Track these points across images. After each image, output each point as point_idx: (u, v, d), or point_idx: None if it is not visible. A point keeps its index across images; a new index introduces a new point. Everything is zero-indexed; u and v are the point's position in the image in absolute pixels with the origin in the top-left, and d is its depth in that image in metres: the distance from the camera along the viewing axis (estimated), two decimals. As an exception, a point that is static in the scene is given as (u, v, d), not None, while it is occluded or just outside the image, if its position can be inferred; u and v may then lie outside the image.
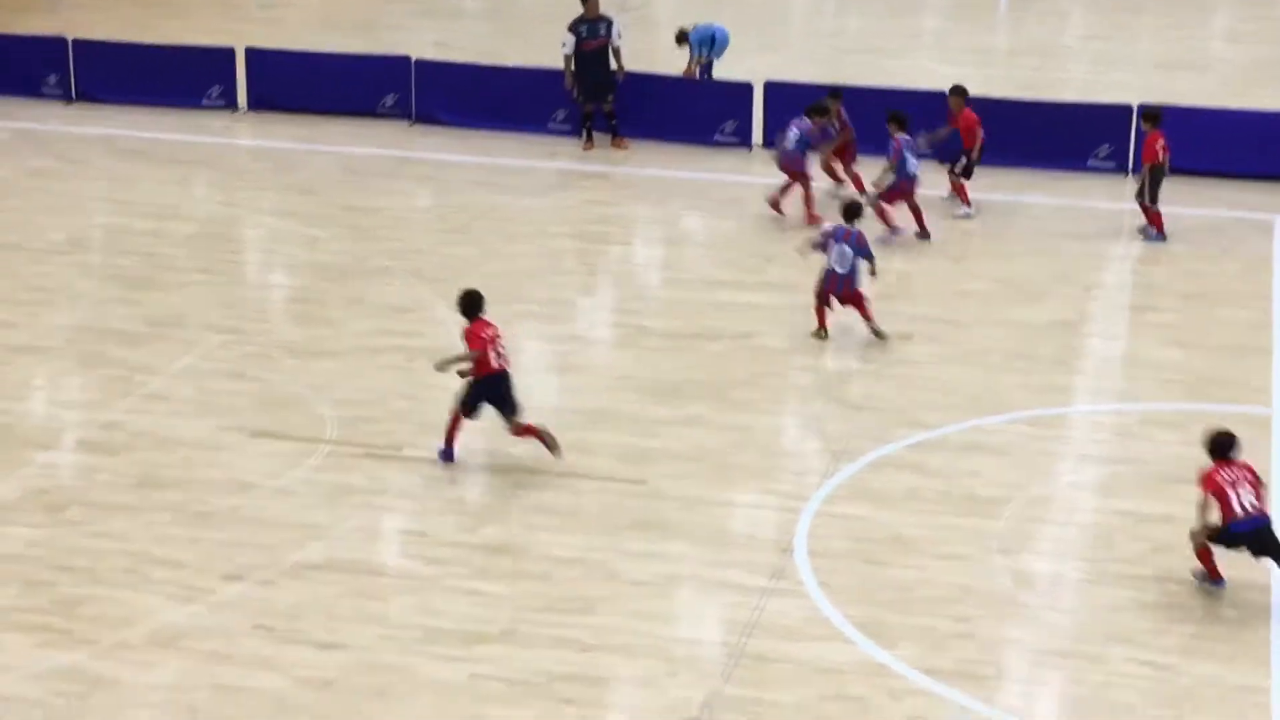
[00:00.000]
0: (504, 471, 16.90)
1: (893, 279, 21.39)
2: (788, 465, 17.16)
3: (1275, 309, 21.21)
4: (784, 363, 19.48)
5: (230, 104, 29.16)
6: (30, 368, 19.43)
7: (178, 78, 29.17)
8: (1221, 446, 14.85)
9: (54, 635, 14.07)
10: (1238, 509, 14.41)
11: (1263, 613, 14.59)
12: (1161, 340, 20.28)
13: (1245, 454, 15.01)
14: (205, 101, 29.14)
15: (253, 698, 13.25)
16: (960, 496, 16.48)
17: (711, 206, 25.15)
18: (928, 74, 30.34)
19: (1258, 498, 14.57)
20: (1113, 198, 24.78)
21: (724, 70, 29.06)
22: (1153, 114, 23.54)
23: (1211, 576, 14.77)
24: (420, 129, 28.28)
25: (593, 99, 27.06)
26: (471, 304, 16.95)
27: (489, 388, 16.72)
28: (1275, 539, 14.49)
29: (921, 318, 20.20)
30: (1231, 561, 15.13)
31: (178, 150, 27.26)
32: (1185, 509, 16.01)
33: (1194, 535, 14.62)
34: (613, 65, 27.09)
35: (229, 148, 27.72)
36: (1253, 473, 14.76)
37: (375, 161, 26.79)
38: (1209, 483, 14.58)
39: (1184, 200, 24.07)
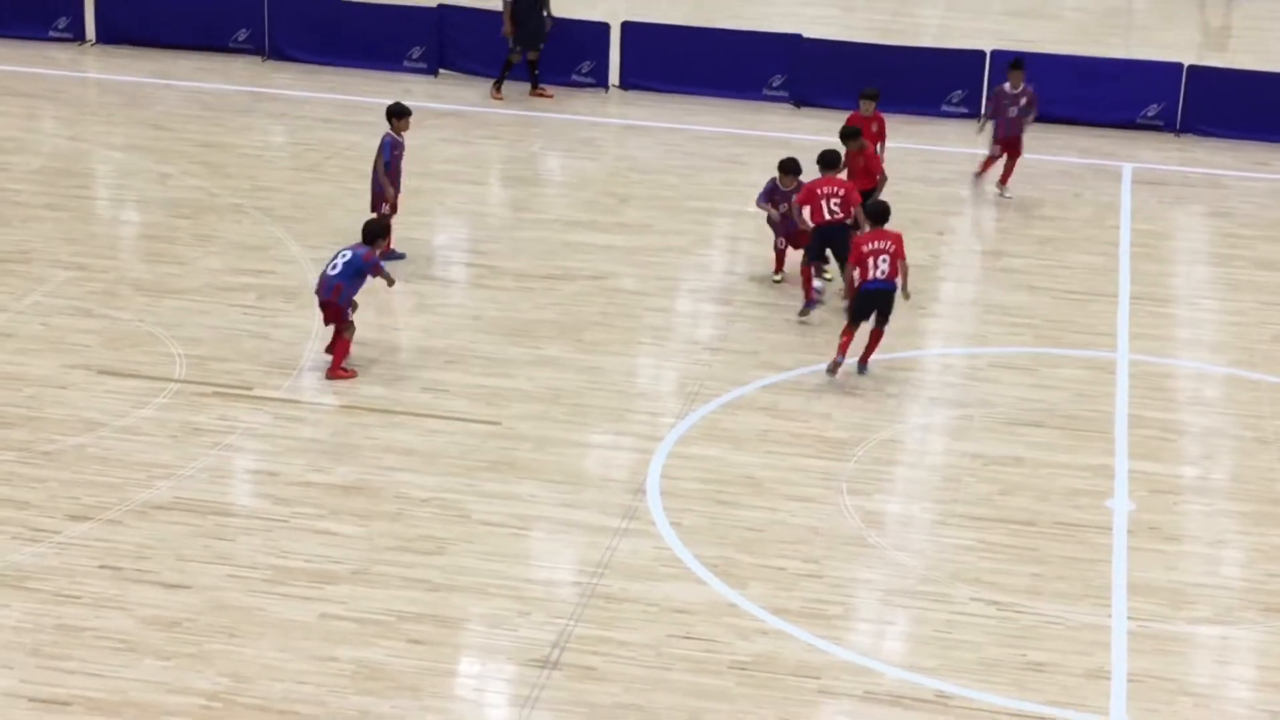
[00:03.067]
0: (357, 412, 16.79)
1: (752, 224, 21.49)
2: (641, 406, 17.19)
3: (1123, 255, 21.54)
4: (638, 304, 19.50)
5: (78, 36, 28.60)
6: None
7: (24, 8, 28.51)
8: (879, 215, 18.02)
9: (-108, 576, 13.83)
10: (871, 274, 17.54)
11: (1104, 553, 14.86)
12: (1012, 285, 20.52)
13: (1093, 395, 15.22)
14: (52, 33, 28.55)
15: (98, 637, 13.09)
16: (811, 438, 16.61)
17: (568, 146, 25.08)
18: (792, 17, 30.44)
19: (890, 267, 17.58)
20: (966, 142, 25.00)
21: (584, 10, 28.97)
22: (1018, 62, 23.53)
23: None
24: (274, 65, 27.93)
25: (529, 46, 26.65)
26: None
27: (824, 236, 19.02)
28: (890, 303, 17.70)
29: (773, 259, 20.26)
30: (1076, 504, 15.42)
31: (22, 82, 26.70)
32: (1033, 452, 16.29)
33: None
34: (545, 12, 26.70)
35: (76, 81, 27.21)
36: (898, 243, 17.72)
37: (228, 97, 26.42)
38: (854, 248, 17.85)
39: (1036, 147, 24.33)
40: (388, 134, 20.37)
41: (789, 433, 16.69)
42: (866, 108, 21.83)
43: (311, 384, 17.31)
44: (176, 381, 17.19)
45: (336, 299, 17.21)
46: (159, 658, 12.89)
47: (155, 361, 17.61)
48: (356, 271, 17.32)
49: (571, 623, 13.54)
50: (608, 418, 16.87)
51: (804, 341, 18.56)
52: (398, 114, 20.44)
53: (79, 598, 13.60)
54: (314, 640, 13.21)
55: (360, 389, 17.16)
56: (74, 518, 14.70)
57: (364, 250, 17.48)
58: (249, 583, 13.93)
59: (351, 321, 17.41)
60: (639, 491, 15.50)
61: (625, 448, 16.31)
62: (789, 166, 19.96)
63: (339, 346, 17.35)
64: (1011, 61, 23.49)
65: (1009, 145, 23.26)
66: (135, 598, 13.62)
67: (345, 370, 17.31)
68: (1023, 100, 22.97)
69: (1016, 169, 23.31)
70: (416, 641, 13.26)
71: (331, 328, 17.49)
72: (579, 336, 18.50)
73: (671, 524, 14.99)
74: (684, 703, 12.62)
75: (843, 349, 17.62)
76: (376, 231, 17.90)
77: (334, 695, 12.57)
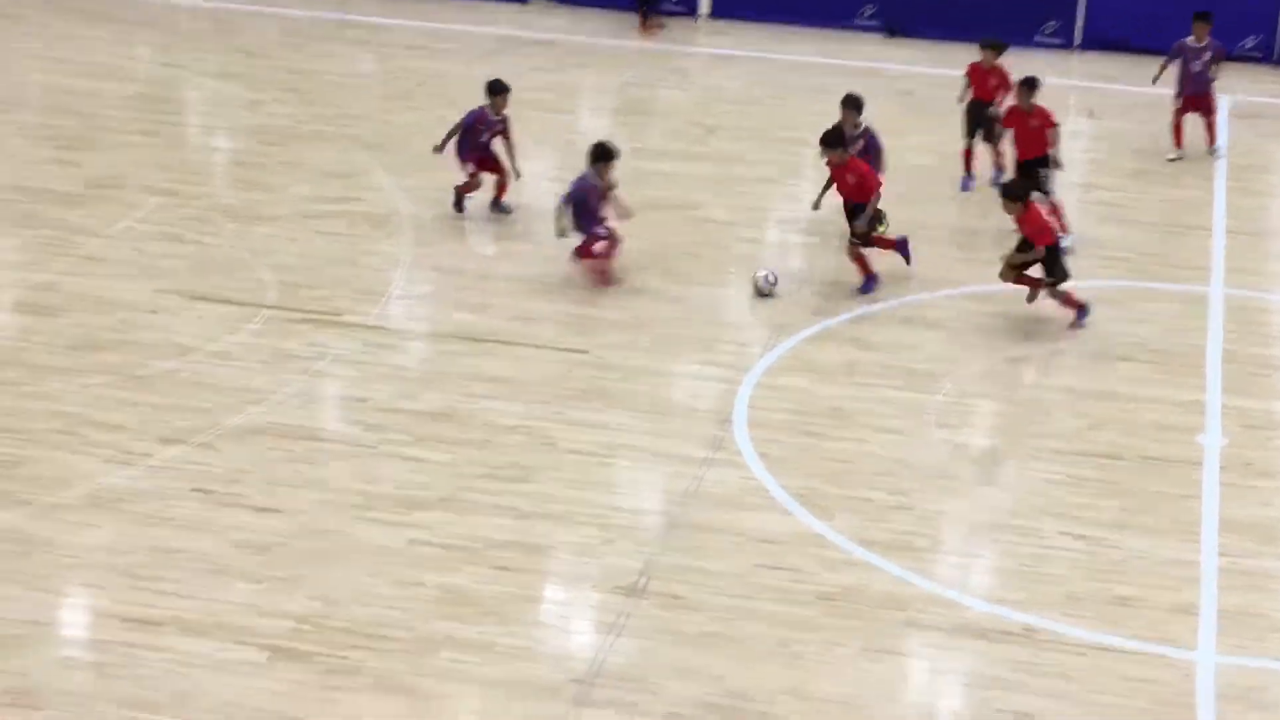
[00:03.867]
0: (445, 339, 16.85)
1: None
2: (729, 337, 17.16)
3: (1218, 188, 21.28)
4: (727, 234, 19.45)
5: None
6: (-34, 227, 19.23)
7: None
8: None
9: (-13, 495, 14.02)
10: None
11: (1194, 488, 14.73)
12: (1104, 218, 20.32)
13: (1185, 330, 15.06)
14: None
15: (190, 560, 13.23)
16: (900, 370, 16.54)
17: (658, 76, 24.98)
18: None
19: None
20: (1059, 73, 24.71)
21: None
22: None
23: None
24: (363, -8, 27.97)
25: None
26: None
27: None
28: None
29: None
30: (1166, 439, 15.30)
31: (118, 9, 26.86)
32: (1124, 386, 16.15)
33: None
34: None
35: (170, 7, 27.32)
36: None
37: (316, 24, 26.47)
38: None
39: (1131, 78, 24.04)
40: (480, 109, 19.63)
41: (877, 364, 16.62)
42: (987, 58, 20.66)
43: (399, 311, 17.37)
44: (267, 307, 17.29)
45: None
46: (250, 581, 13.01)
47: (245, 287, 17.72)
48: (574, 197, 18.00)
49: (657, 551, 13.56)
50: (695, 347, 16.85)
51: (893, 273, 18.44)
52: (492, 90, 19.63)
53: (171, 520, 13.74)
54: (401, 565, 13.30)
55: (450, 316, 17.22)
56: (166, 441, 14.84)
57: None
58: (338, 508, 14.02)
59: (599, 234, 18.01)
60: (726, 422, 15.49)
61: (712, 378, 16.29)
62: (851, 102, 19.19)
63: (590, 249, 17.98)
64: (1198, 13, 22.09)
65: (1196, 103, 22.04)
66: (226, 521, 13.75)
67: (599, 262, 17.85)
68: (1207, 55, 21.86)
69: (1213, 125, 22.29)
70: (503, 568, 13.32)
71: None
72: (667, 266, 18.47)
73: (758, 454, 14.98)
74: (770, 632, 12.63)
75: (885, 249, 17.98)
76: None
77: (421, 620, 12.66)
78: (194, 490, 14.16)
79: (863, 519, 14.10)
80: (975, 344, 17.14)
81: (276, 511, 13.92)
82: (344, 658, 12.21)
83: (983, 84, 20.57)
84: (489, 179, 19.64)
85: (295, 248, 18.75)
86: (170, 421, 15.16)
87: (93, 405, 15.39)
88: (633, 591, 13.05)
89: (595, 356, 16.61)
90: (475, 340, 16.79)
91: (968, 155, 20.86)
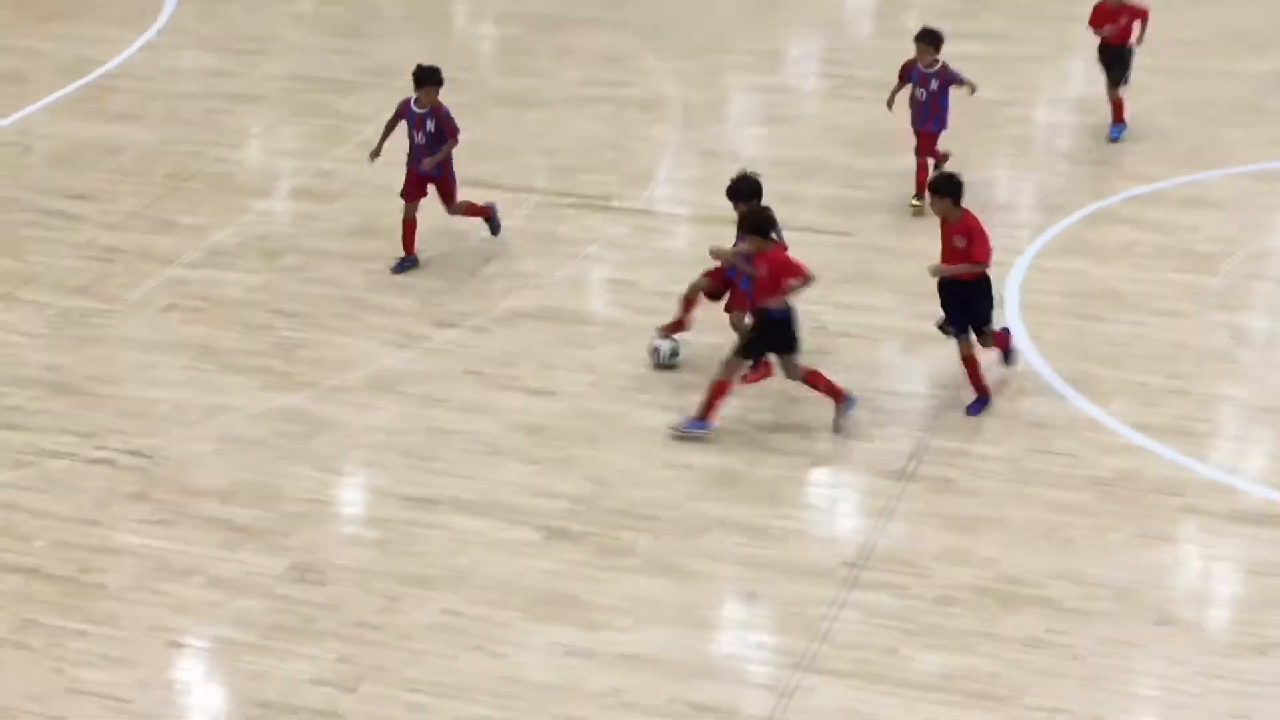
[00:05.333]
0: (713, 223, 16.84)
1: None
2: (1001, 218, 16.88)
3: None
4: (998, 114, 19.12)
5: None
6: (247, 116, 19.71)
7: None
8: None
9: (275, 378, 14.42)
10: None
11: None
12: None
13: None
14: None
15: (466, 440, 13.51)
16: (1178, 251, 16.15)
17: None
18: None
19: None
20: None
21: None
22: None
23: None
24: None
25: None
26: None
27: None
28: None
29: (1136, 66, 19.59)
30: None
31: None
32: None
33: None
34: None
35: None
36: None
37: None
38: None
39: None
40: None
41: (1154, 245, 16.26)
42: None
43: (667, 195, 17.42)
44: (537, 192, 17.47)
45: None
46: (524, 461, 13.24)
47: (517, 172, 17.92)
48: None
49: (928, 435, 13.49)
50: (966, 230, 16.63)
51: (1170, 151, 17.98)
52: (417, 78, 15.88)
53: (446, 401, 14.03)
54: (672, 448, 13.41)
55: (716, 200, 17.18)
56: (442, 324, 15.12)
57: None
58: (609, 390, 14.18)
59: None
60: (998, 304, 15.27)
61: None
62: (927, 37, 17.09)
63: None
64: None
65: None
66: (501, 403, 13.99)
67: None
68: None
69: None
70: (773, 450, 13.37)
71: None
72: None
73: (1031, 338, 14.78)
74: (1042, 517, 12.51)
75: None
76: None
77: (691, 501, 12.77)
78: (468, 373, 14.43)
79: (1138, 403, 13.85)
80: (1256, 223, 16.66)
81: (549, 394, 14.12)
82: (615, 538, 12.39)
83: (1112, 22, 17.98)
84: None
85: (565, 133, 18.89)
86: (445, 305, 15.45)
87: (371, 290, 15.75)
88: (903, 475, 13.02)
89: (862, 239, 16.50)
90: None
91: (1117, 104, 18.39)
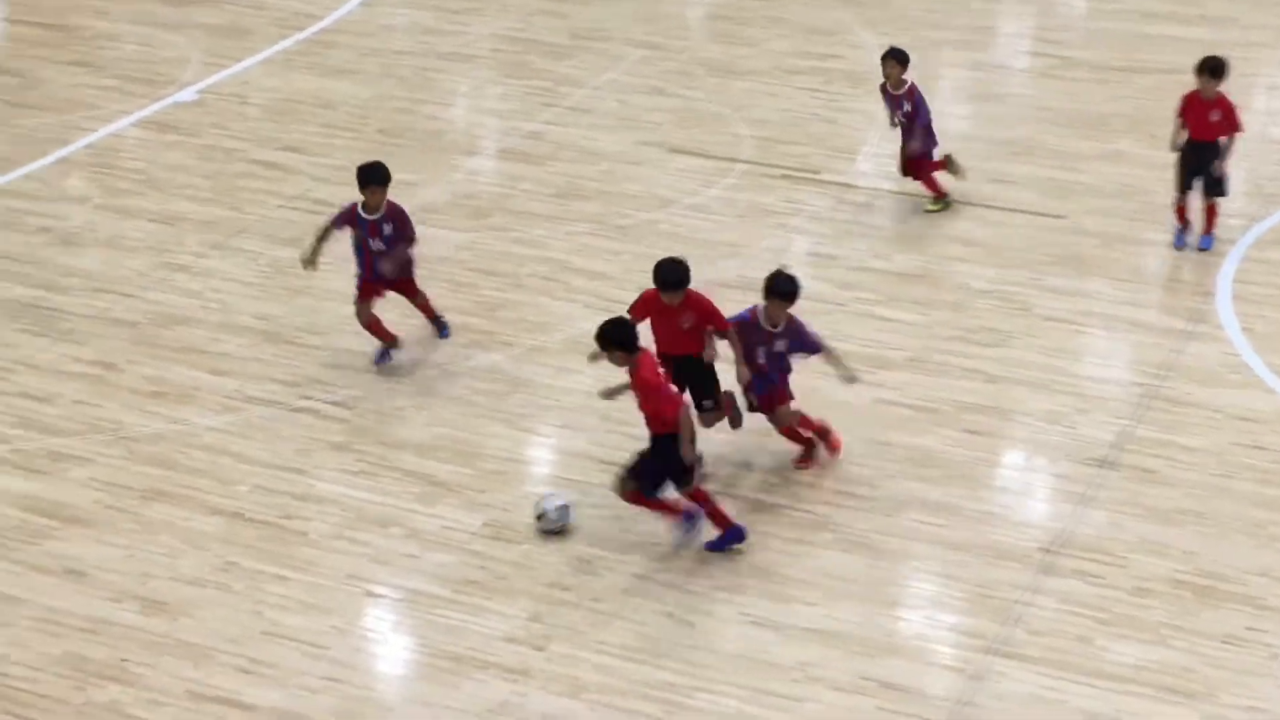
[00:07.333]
0: (920, 199, 16.69)
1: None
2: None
3: None
4: (1217, 100, 18.72)
5: None
6: (458, 76, 19.90)
7: None
8: None
9: (476, 335, 14.57)
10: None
11: None
12: None
13: None
14: None
15: (664, 408, 13.52)
16: (1399, 247, 15.75)
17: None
18: None
19: None
20: None
21: None
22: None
23: None
24: None
25: None
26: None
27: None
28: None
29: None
30: None
31: None
32: None
33: None
34: None
35: None
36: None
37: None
38: None
39: None
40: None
41: (1374, 241, 15.87)
42: (1208, 88, 15.45)
43: (873, 169, 17.30)
44: (744, 162, 17.44)
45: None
46: (722, 428, 13.20)
47: (723, 142, 17.91)
48: None
49: (1132, 424, 13.27)
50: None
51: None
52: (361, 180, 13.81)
53: (646, 368, 14.04)
54: (868, 424, 13.34)
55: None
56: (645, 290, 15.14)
57: None
58: (807, 364, 14.08)
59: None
60: (1208, 294, 15.00)
61: (1196, 247, 15.76)
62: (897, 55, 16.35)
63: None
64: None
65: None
66: (700, 371, 13.98)
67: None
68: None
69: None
70: (972, 431, 13.25)
71: None
72: (1152, 132, 17.85)
73: (1243, 330, 14.47)
74: (1247, 513, 12.26)
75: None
76: None
77: (888, 479, 12.70)
78: (669, 339, 14.43)
79: (1351, 401, 13.53)
80: None
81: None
82: (809, 511, 12.35)
83: (1200, 119, 15.56)
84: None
85: (773, 103, 18.83)
86: (649, 272, 15.42)
87: (575, 252, 15.83)
88: (1104, 463, 12.83)
89: (1073, 222, 16.26)
90: (952, 202, 16.61)
91: (1181, 210, 15.92)
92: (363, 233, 13.75)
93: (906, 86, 16.29)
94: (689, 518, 11.89)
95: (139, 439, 13.27)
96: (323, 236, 13.92)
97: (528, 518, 12.20)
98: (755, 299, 14.20)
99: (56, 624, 11.33)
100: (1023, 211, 16.40)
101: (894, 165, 16.97)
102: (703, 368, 12.66)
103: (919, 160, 16.40)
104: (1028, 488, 12.86)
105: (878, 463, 12.88)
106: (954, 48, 20.25)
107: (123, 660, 11.02)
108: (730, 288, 15.13)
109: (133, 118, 18.75)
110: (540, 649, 11.08)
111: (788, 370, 12.76)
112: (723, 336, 12.58)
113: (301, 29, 21.19)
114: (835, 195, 16.83)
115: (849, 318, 14.74)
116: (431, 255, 15.77)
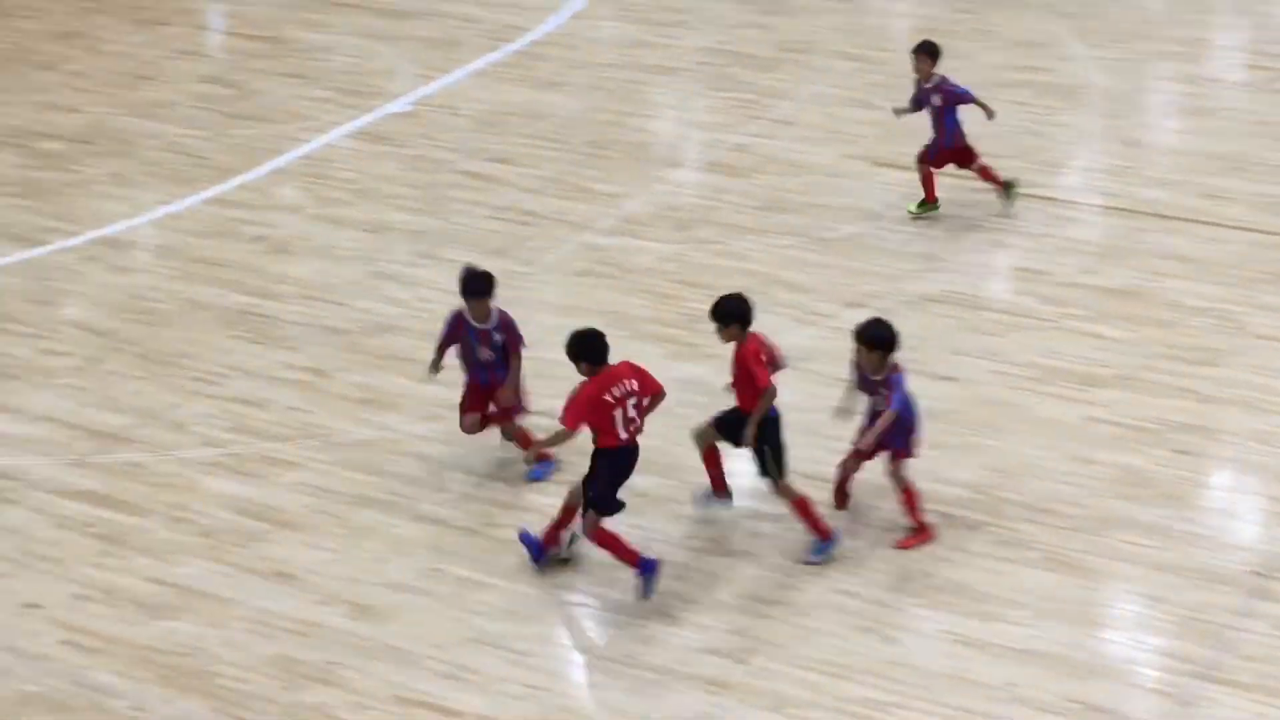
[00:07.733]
0: (1130, 215, 16.46)
1: None
2: None
3: None
4: None
5: None
6: (664, 88, 19.99)
7: None
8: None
9: (681, 348, 14.60)
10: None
11: None
12: None
13: None
14: None
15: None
16: None
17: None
18: None
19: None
20: None
21: None
22: None
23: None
24: None
25: None
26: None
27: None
28: None
29: None
30: None
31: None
32: None
33: None
34: None
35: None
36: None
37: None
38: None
39: None
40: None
41: None
42: None
43: (1084, 184, 17.09)
44: (950, 175, 17.28)
45: None
46: (928, 447, 13.10)
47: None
48: None
49: (1349, 446, 12.98)
50: (1400, 234, 15.94)
51: None
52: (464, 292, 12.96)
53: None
54: (1076, 442, 13.17)
55: (1136, 191, 16.81)
56: (849, 304, 15.08)
57: None
58: (1014, 379, 13.99)
59: None
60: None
61: None
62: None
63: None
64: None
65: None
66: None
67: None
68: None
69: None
70: (1182, 451, 13.01)
71: None
72: (1372, 147, 17.49)
73: None
74: None
75: None
76: None
77: (1093, 497, 12.53)
78: (873, 354, 14.35)
79: None
80: None
81: (953, 379, 14.00)
82: (1014, 529, 12.22)
83: None
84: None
85: (981, 116, 18.61)
86: (854, 285, 15.43)
87: (780, 265, 15.82)
88: (1320, 486, 12.55)
89: (1289, 239, 15.95)
90: (1162, 217, 16.35)
91: None
92: (473, 342, 12.90)
93: (936, 80, 16.10)
94: (647, 567, 11.55)
95: (348, 445, 13.50)
96: (444, 348, 13.06)
97: (730, 529, 12.21)
98: (961, 313, 14.16)
99: (267, 625, 11.55)
100: (1236, 227, 16.09)
101: (1105, 181, 16.75)
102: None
103: (960, 152, 16.11)
104: (1238, 509, 12.61)
105: (1084, 480, 12.70)
106: (1167, 60, 19.93)
107: (330, 663, 11.21)
108: (934, 302, 15.06)
109: (345, 128, 19.09)
110: (742, 662, 11.08)
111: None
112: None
113: (511, 41, 21.43)
114: (1044, 210, 16.64)
115: (1058, 333, 14.58)
116: (636, 267, 15.89)
